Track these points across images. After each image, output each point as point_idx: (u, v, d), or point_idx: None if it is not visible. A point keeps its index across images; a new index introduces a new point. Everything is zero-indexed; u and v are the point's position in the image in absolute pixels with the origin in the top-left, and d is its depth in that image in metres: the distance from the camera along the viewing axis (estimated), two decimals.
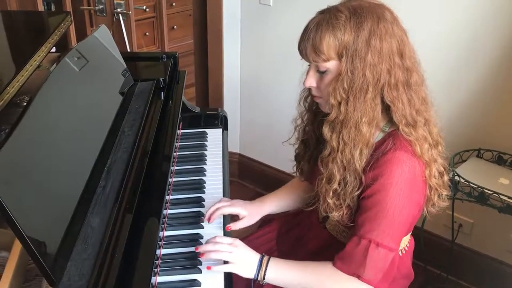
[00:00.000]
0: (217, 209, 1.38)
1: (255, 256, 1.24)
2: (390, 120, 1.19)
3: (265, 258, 1.24)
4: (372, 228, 1.14)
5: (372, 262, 1.15)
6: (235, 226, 1.40)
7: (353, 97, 1.13)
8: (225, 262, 1.22)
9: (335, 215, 1.23)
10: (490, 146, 1.92)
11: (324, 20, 1.13)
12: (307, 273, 1.23)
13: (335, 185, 1.19)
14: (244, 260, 1.23)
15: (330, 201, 1.21)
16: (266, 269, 1.22)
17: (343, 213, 1.22)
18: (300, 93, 1.34)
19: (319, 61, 1.15)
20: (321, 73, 1.17)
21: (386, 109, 1.17)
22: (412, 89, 1.16)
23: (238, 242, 1.25)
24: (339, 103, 1.14)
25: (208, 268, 1.21)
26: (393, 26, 1.12)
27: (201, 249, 1.23)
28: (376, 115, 1.15)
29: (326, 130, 1.18)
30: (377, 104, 1.15)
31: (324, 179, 1.22)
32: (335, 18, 1.12)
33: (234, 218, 1.43)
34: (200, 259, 1.23)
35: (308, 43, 1.14)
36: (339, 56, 1.13)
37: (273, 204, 1.49)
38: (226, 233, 1.37)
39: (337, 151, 1.17)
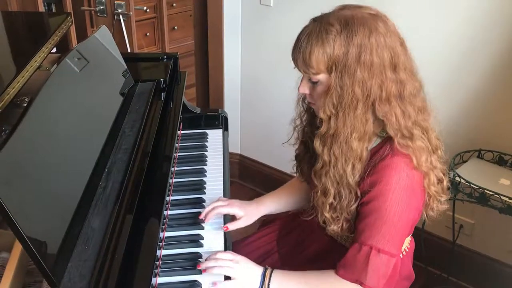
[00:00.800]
0: (214, 208, 1.37)
1: (257, 270, 1.23)
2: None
3: (268, 270, 1.23)
4: (372, 234, 1.14)
5: (374, 268, 1.14)
6: (232, 226, 1.38)
7: (342, 113, 1.11)
8: (227, 277, 1.21)
9: (334, 228, 1.22)
10: (491, 147, 1.92)
11: (315, 32, 1.11)
12: (310, 282, 1.22)
13: (331, 199, 1.19)
14: (247, 275, 1.22)
15: (327, 214, 1.21)
16: (269, 281, 1.21)
17: (342, 225, 1.21)
18: (298, 94, 1.34)
19: (310, 73, 1.14)
20: (313, 83, 1.16)
21: (380, 120, 1.16)
22: (406, 101, 1.13)
23: (239, 257, 1.24)
24: (329, 118, 1.13)
25: (215, 284, 1.19)
26: (385, 38, 1.09)
27: (202, 266, 1.22)
28: (368, 130, 1.14)
29: (317, 144, 1.17)
30: (368, 119, 1.13)
31: (319, 192, 1.21)
32: (326, 32, 1.09)
33: (233, 218, 1.42)
34: (203, 274, 1.22)
35: (299, 55, 1.13)
36: (329, 71, 1.11)
37: (272, 204, 1.48)
38: (225, 234, 1.37)
39: (329, 165, 1.16)
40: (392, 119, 1.13)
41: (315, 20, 1.15)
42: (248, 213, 1.42)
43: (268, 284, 1.21)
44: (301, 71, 1.17)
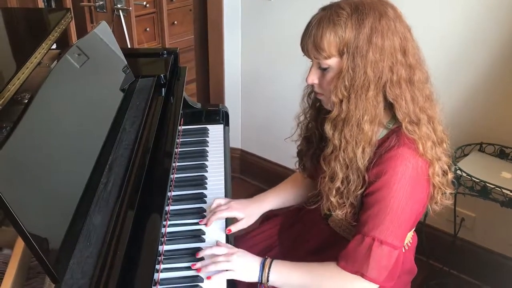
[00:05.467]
0: (214, 213, 1.37)
1: (256, 260, 1.24)
2: (394, 117, 1.18)
3: (267, 261, 1.23)
4: (375, 225, 1.14)
5: (376, 260, 1.14)
6: (234, 228, 1.38)
7: (354, 95, 1.12)
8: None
9: (338, 213, 1.22)
10: (492, 140, 1.92)
11: (326, 17, 1.12)
12: (311, 273, 1.22)
13: (338, 184, 1.19)
14: (245, 266, 1.23)
15: (333, 199, 1.21)
16: (269, 272, 1.22)
17: (346, 212, 1.21)
18: (303, 90, 1.33)
19: (320, 58, 1.14)
20: (323, 70, 1.17)
21: (390, 106, 1.17)
22: (416, 86, 1.15)
23: (235, 249, 1.25)
24: (341, 101, 1.14)
25: (208, 278, 1.20)
26: (395, 23, 1.11)
27: (198, 265, 1.22)
28: (379, 113, 1.15)
29: (328, 128, 1.18)
30: (379, 102, 1.14)
31: (327, 178, 1.21)
32: (337, 15, 1.11)
33: (234, 219, 1.42)
34: (199, 274, 1.22)
35: (310, 40, 1.14)
36: (340, 54, 1.12)
37: (275, 200, 1.49)
38: (228, 235, 1.37)
39: (339, 149, 1.16)
40: (402, 103, 1.14)
41: (324, 8, 1.16)
42: (248, 214, 1.42)
43: (268, 274, 1.22)
44: (311, 57, 1.17)
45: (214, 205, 1.40)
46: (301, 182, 1.50)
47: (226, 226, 1.38)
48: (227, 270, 1.21)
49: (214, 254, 1.23)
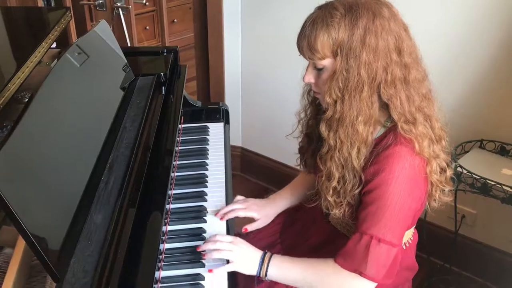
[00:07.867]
0: (233, 210, 1.40)
1: (256, 253, 1.24)
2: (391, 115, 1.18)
3: (267, 255, 1.24)
4: (373, 223, 1.14)
5: (374, 258, 1.14)
6: (251, 227, 1.42)
7: (348, 96, 1.12)
8: (227, 261, 1.22)
9: (336, 212, 1.23)
10: (493, 137, 1.92)
11: (320, 17, 1.12)
12: (309, 269, 1.23)
13: (335, 183, 1.19)
14: (245, 258, 1.23)
15: (330, 199, 1.21)
16: (268, 266, 1.22)
17: (344, 211, 1.22)
18: (303, 87, 1.34)
19: (315, 59, 1.14)
20: (319, 70, 1.17)
21: (386, 105, 1.16)
22: (411, 86, 1.14)
23: (238, 240, 1.26)
24: (335, 102, 1.14)
25: (210, 271, 1.21)
26: (390, 23, 1.10)
27: (201, 248, 1.23)
28: (373, 113, 1.14)
29: (323, 128, 1.18)
30: (374, 102, 1.14)
31: (324, 177, 1.22)
32: (330, 16, 1.11)
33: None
34: (202, 261, 1.23)
35: (304, 41, 1.14)
36: (334, 55, 1.12)
37: (287, 201, 1.52)
38: (228, 227, 1.37)
39: (335, 149, 1.17)
40: (397, 103, 1.14)
41: (319, 7, 1.16)
42: (265, 215, 1.46)
43: (267, 268, 1.22)
44: (306, 57, 1.17)
45: (233, 203, 1.43)
46: (306, 184, 1.51)
47: (227, 227, 1.38)
48: (228, 262, 1.22)
49: (218, 240, 1.24)
